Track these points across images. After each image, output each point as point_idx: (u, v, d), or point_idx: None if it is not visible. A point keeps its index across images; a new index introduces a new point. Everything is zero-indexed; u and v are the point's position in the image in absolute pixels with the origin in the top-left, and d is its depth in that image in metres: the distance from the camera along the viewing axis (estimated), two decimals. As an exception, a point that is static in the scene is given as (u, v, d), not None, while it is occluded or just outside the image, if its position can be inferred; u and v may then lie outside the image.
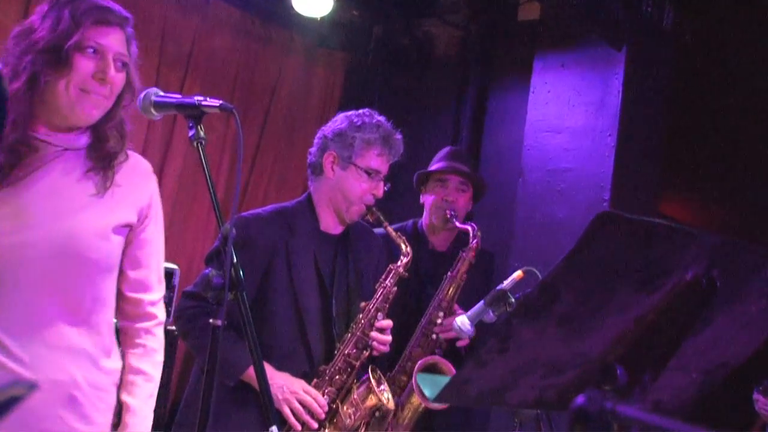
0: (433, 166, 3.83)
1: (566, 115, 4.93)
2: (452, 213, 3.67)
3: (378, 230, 3.29)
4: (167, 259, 4.92)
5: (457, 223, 3.64)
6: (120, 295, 2.21)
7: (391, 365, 3.43)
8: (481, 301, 3.06)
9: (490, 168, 5.59)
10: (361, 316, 2.98)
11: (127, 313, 2.25)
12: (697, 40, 4.98)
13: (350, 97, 6.28)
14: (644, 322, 1.48)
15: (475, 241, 3.55)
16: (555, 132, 4.96)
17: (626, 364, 1.49)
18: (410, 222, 3.87)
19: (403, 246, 3.09)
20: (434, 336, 3.48)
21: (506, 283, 3.04)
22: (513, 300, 3.01)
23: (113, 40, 2.08)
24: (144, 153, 5.39)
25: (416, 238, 3.73)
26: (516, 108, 5.53)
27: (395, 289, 3.04)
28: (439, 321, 3.48)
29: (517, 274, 3.04)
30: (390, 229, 3.09)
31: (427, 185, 3.84)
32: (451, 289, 3.51)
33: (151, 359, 2.26)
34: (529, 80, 5.16)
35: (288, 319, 2.90)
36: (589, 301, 1.42)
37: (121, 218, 2.13)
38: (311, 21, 5.69)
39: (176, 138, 5.57)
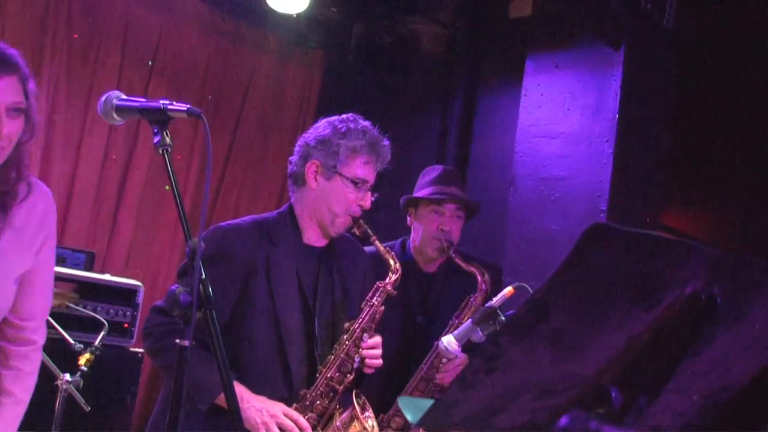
0: (424, 191, 3.80)
1: (560, 119, 4.97)
2: (449, 244, 3.69)
3: (367, 248, 3.32)
4: (131, 275, 4.99)
5: (461, 263, 3.66)
6: (3, 318, 2.36)
7: (384, 405, 3.46)
8: (469, 320, 3.08)
9: (478, 176, 5.64)
10: (345, 337, 2.99)
11: (7, 336, 2.39)
12: (700, 39, 5.04)
13: (328, 100, 6.31)
14: (640, 340, 1.50)
15: (484, 287, 3.60)
16: (548, 137, 5.00)
17: (621, 386, 1.51)
18: (398, 242, 3.88)
19: (392, 262, 3.10)
20: (435, 381, 3.52)
21: (496, 300, 3.06)
22: (503, 318, 3.04)
23: (4, 91, 2.14)
24: (105, 162, 5.43)
25: (404, 258, 3.75)
26: (507, 111, 5.58)
27: (383, 308, 3.05)
28: (441, 366, 3.52)
29: (508, 290, 3.06)
30: (378, 243, 3.10)
31: (418, 210, 3.82)
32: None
33: (23, 382, 2.39)
34: (520, 82, 5.21)
35: (267, 338, 2.91)
36: (581, 319, 1.44)
37: (21, 269, 2.31)
38: (286, 18, 5.71)
39: (140, 145, 5.58)
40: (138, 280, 4.88)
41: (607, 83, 4.79)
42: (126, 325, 4.66)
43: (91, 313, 4.24)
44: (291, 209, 3.09)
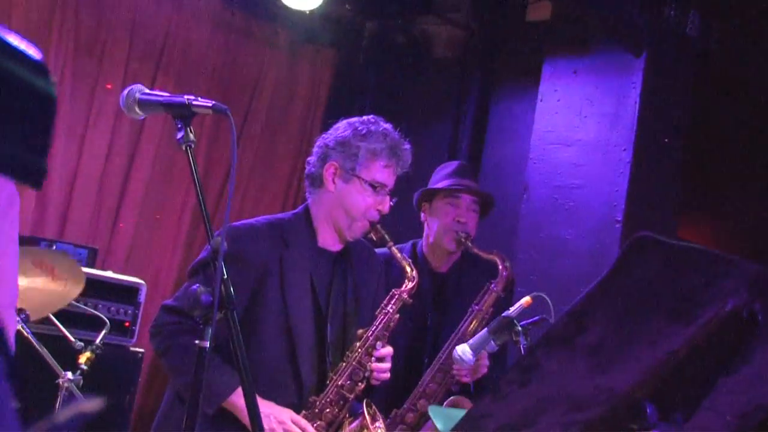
0: (441, 183, 3.84)
1: (577, 126, 4.97)
2: (466, 235, 3.71)
3: (380, 250, 3.32)
4: (131, 273, 4.99)
5: (479, 251, 3.68)
6: None
7: (397, 401, 3.46)
8: (485, 329, 3.08)
9: (491, 182, 5.63)
10: (358, 344, 2.99)
11: None
12: (723, 49, 5.04)
13: (338, 100, 6.31)
14: (677, 356, 1.50)
15: (505, 274, 3.62)
16: (564, 145, 5.00)
17: (656, 402, 1.51)
18: (409, 244, 3.89)
19: (409, 269, 3.12)
20: (452, 372, 3.52)
21: (512, 309, 3.05)
22: (519, 328, 3.04)
23: None
24: (108, 158, 5.43)
25: (416, 261, 3.76)
26: (521, 117, 5.58)
27: (397, 316, 3.06)
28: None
29: (525, 300, 3.05)
30: (395, 249, 3.11)
31: (433, 204, 3.85)
32: (474, 324, 3.55)
33: None
34: (536, 87, 5.21)
35: (278, 342, 2.92)
36: (619, 332, 1.44)
37: None
38: (298, 14, 5.71)
39: (145, 140, 5.58)
40: (139, 277, 4.88)
41: (626, 91, 4.79)
42: (127, 324, 4.65)
43: (93, 311, 4.24)
44: (307, 211, 3.09)
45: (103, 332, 3.96)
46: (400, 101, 6.10)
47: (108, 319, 4.08)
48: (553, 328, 1.43)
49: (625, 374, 1.50)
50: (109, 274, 4.75)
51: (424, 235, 3.90)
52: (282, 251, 2.97)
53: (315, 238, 3.06)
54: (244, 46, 6.03)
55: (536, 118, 5.17)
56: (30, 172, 0.78)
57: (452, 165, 3.96)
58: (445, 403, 3.38)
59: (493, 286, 3.62)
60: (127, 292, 4.72)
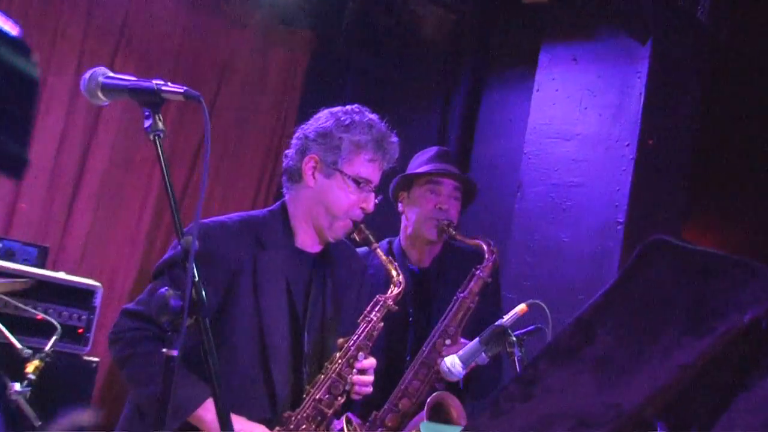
0: (421, 168, 3.86)
1: (576, 119, 5.00)
2: (448, 222, 3.73)
3: (362, 250, 3.32)
4: (86, 274, 4.96)
5: (463, 238, 3.71)
6: None
7: (377, 403, 3.47)
8: (476, 339, 3.09)
9: (481, 179, 5.59)
10: (338, 355, 2.99)
11: None
12: (737, 35, 5.07)
13: (315, 87, 6.31)
14: (691, 370, 1.51)
15: (492, 257, 3.64)
16: (562, 139, 5.03)
17: (668, 420, 1.52)
18: (384, 242, 3.90)
19: (395, 273, 3.12)
20: (437, 367, 3.53)
21: (507, 318, 3.07)
22: (514, 339, 3.05)
23: None
24: (61, 147, 5.40)
25: (394, 258, 3.76)
26: (516, 108, 5.61)
27: (381, 325, 3.06)
28: (443, 350, 3.53)
29: (520, 308, 3.07)
30: (380, 251, 3.12)
31: (412, 192, 3.87)
32: (460, 313, 3.57)
33: None
34: (532, 75, 5.23)
35: (250, 352, 2.91)
36: (628, 344, 1.45)
37: None
38: (272, -8, 5.72)
39: (102, 127, 5.56)
40: (94, 279, 4.86)
41: (630, 81, 4.81)
42: (80, 331, 4.62)
43: (43, 315, 4.22)
44: (284, 208, 3.09)
45: (54, 339, 3.94)
46: (383, 89, 6.10)
47: (59, 324, 4.06)
48: (557, 338, 1.44)
49: (635, 389, 1.51)
50: (60, 275, 4.72)
51: (402, 227, 3.92)
52: (256, 252, 2.96)
53: (292, 238, 3.06)
54: (212, 25, 6.02)
55: (532, 109, 5.20)
56: (11, 163, 0.77)
57: (432, 150, 3.98)
58: (428, 400, 3.38)
59: (479, 271, 3.63)
60: (81, 295, 4.69)
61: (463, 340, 3.54)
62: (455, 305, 3.60)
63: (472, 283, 3.62)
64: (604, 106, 4.91)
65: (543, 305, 3.06)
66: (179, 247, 1.89)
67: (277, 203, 3.14)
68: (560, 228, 4.94)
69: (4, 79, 0.78)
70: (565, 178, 4.97)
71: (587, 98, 4.99)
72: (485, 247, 3.68)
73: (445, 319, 3.60)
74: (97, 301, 4.71)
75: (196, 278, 1.86)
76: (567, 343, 1.42)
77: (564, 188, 4.96)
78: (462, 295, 3.61)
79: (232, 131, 6.12)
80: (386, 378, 3.58)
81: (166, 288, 1.88)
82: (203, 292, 1.88)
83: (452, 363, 3.10)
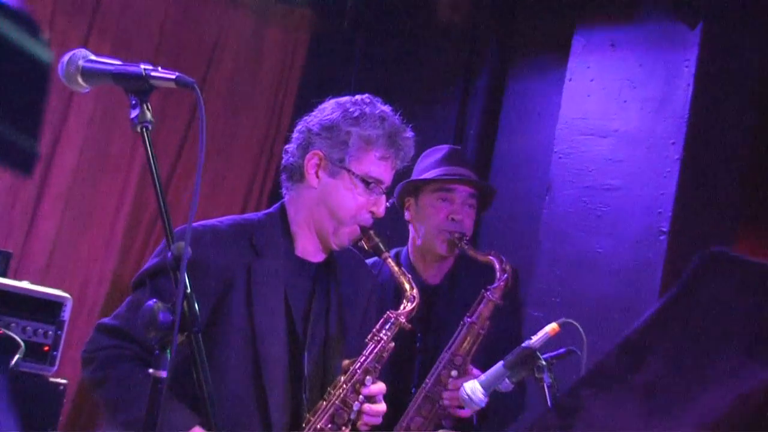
0: (430, 173, 3.87)
1: (615, 113, 5.00)
2: (460, 235, 3.74)
3: (370, 260, 3.33)
4: (53, 285, 4.97)
5: (475, 254, 3.72)
6: None
7: None
8: (500, 363, 3.10)
9: (504, 181, 5.65)
10: (342, 378, 2.99)
11: None
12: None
13: (316, 73, 6.32)
14: (752, 400, 1.52)
15: (504, 277, 3.63)
16: (598, 135, 5.03)
17: (724, 457, 1.53)
18: (391, 254, 3.91)
19: (408, 287, 3.11)
20: (442, 402, 3.54)
21: (535, 339, 3.08)
22: (543, 363, 3.06)
23: None
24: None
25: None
26: (545, 100, 5.61)
27: (392, 345, 3.05)
28: (450, 383, 3.54)
29: (551, 327, 3.08)
30: (392, 262, 3.13)
31: (420, 199, 3.89)
32: (467, 341, 3.58)
33: None
34: (564, 63, 5.24)
35: (242, 372, 2.91)
36: (682, 369, 1.46)
37: None
38: (269, -35, 5.73)
39: (72, 119, 5.57)
40: (63, 290, 4.86)
41: (677, 70, 4.80)
42: (47, 348, 4.63)
43: (3, 331, 4.23)
44: (283, 211, 3.11)
45: (17, 358, 3.95)
46: (393, 77, 6.10)
47: (23, 341, 4.06)
48: (601, 363, 1.45)
49: (688, 421, 1.52)
50: (24, 284, 4.73)
51: (410, 238, 3.94)
52: (251, 260, 2.97)
53: (292, 245, 3.08)
54: (200, 2, 6.03)
55: (563, 101, 5.20)
56: (21, 157, 0.78)
57: (442, 150, 3.98)
58: None
59: (488, 293, 3.63)
60: (47, 308, 4.69)
61: (475, 370, 3.54)
62: (462, 331, 3.61)
63: (481, 307, 3.63)
64: (646, 98, 4.90)
65: (577, 325, 3.07)
66: (169, 254, 1.90)
67: (275, 205, 3.15)
68: (594, 237, 4.93)
69: (9, 61, 0.79)
70: (601, 180, 4.97)
71: (627, 90, 4.99)
72: (497, 265, 3.69)
73: (450, 347, 3.61)
74: (66, 314, 4.71)
75: (189, 289, 1.87)
76: (612, 369, 1.43)
77: (599, 192, 4.96)
78: (470, 320, 3.62)
79: (221, 122, 6.14)
80: (389, 412, 3.58)
81: (155, 300, 1.89)
82: (196, 306, 1.89)
83: (473, 389, 3.11)
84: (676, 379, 1.46)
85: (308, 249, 3.10)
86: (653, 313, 1.41)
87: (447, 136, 5.81)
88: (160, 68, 2.06)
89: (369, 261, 3.42)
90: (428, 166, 3.91)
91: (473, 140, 5.81)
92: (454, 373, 3.56)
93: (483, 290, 3.64)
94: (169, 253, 1.90)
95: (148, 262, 2.94)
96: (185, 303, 1.86)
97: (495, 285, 3.64)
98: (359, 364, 3.01)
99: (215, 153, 6.12)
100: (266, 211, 3.16)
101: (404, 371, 3.73)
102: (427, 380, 3.58)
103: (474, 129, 5.86)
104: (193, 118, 6.01)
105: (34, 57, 0.79)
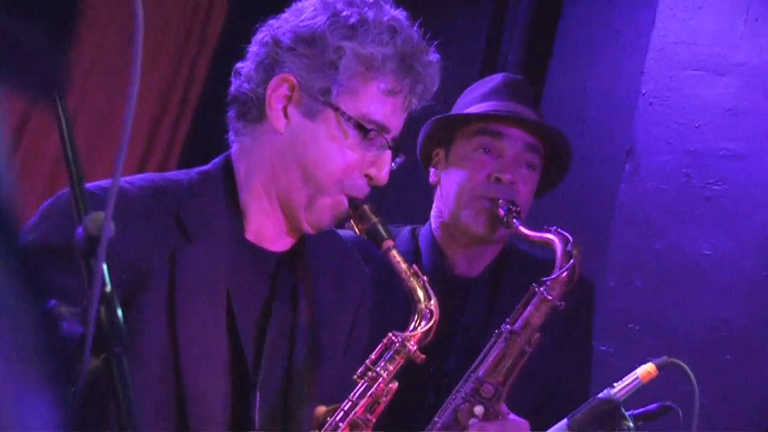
0: (473, 107, 3.84)
1: (737, 40, 5.01)
2: (509, 206, 3.65)
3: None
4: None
5: (529, 232, 3.64)
6: None
7: None
8: (564, 421, 3.11)
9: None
10: None
11: None
12: None
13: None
14: None
15: (569, 265, 3.51)
16: (711, 72, 5.04)
17: None
18: (404, 233, 3.88)
19: (422, 294, 3.00)
20: None
21: (618, 388, 3.10)
22: (631, 424, 3.07)
23: None
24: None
25: (419, 259, 3.79)
26: (625, 16, 5.64)
27: (395, 386, 2.96)
28: (471, 426, 3.45)
29: (644, 371, 3.09)
30: (398, 256, 3.01)
31: (453, 149, 3.86)
32: (504, 362, 3.46)
33: None
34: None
35: (158, 412, 2.84)
36: None
37: None
38: None
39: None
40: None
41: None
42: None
43: None
44: (227, 169, 3.02)
45: None
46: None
47: None
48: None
49: None
50: None
51: (434, 209, 3.91)
52: (175, 246, 2.87)
53: (241, 224, 3.00)
54: None
55: (657, 19, 5.20)
56: (50, 79, 0.78)
57: (495, 79, 4.00)
58: None
59: (542, 288, 3.49)
60: None
61: (511, 415, 3.48)
62: (497, 346, 3.47)
63: (529, 309, 3.49)
64: (788, 18, 4.94)
65: (685, 367, 3.07)
66: (79, 230, 1.88)
67: (216, 160, 3.06)
68: (700, 230, 4.94)
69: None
70: (714, 141, 4.97)
71: (757, 5, 4.99)
72: (558, 246, 3.56)
73: (477, 368, 3.49)
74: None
75: (109, 288, 1.86)
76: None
77: (711, 160, 4.97)
78: (510, 328, 3.48)
79: (107, 70, 6.18)
80: None
81: (54, 302, 1.86)
82: (119, 313, 1.87)
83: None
84: None
85: (266, 231, 3.03)
86: None
87: (473, 66, 5.83)
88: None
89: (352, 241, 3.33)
90: (470, 101, 3.89)
91: (512, 71, 5.78)
92: (478, 409, 3.45)
93: (535, 285, 3.49)
94: (80, 229, 1.88)
95: (27, 236, 2.80)
96: (103, 308, 1.84)
97: (554, 275, 3.49)
98: (342, 413, 2.94)
99: (96, 122, 6.19)
100: (201, 168, 3.04)
101: (417, 398, 3.70)
102: (436, 418, 3.50)
103: (513, 55, 5.88)
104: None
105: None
